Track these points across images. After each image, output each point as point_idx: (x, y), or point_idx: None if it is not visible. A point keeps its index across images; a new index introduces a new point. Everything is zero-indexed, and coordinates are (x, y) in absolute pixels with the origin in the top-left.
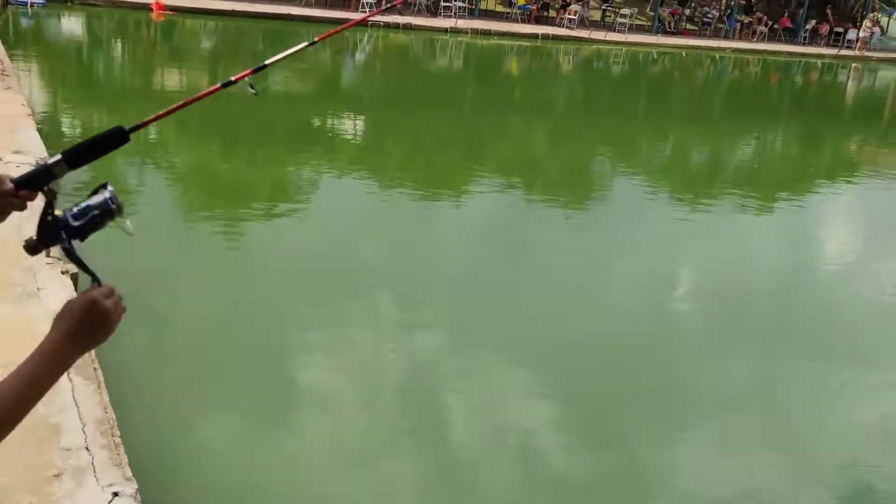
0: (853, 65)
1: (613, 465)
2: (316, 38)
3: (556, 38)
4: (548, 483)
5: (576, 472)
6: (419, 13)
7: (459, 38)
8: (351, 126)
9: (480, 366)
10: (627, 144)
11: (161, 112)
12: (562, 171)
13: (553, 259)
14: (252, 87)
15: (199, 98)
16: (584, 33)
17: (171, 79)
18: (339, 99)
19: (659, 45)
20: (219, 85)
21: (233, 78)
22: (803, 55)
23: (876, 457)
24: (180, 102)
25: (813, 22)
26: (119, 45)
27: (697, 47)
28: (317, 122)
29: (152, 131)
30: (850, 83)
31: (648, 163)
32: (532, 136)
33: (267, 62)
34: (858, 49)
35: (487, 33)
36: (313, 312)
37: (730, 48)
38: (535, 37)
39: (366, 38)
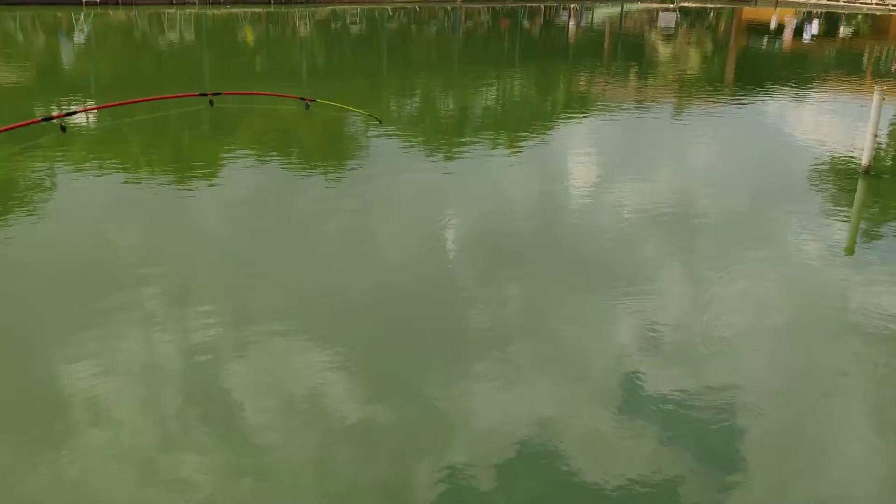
0: (572, 5)
1: (408, 410)
2: None
3: (288, 1)
4: (347, 439)
5: (374, 424)
6: None
7: (188, 11)
8: (81, 116)
9: (263, 341)
10: (376, 101)
11: None
12: (315, 137)
13: (319, 224)
14: None
15: None
16: None
17: None
18: (62, 87)
19: (393, 2)
20: None
21: None
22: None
23: (639, 364)
24: None
25: None
26: None
27: (430, 0)
28: (41, 115)
29: None
30: (570, 22)
31: (399, 117)
32: (280, 106)
33: None
34: None
35: (217, 3)
36: (73, 319)
37: None
38: (267, 2)
39: (82, 18)
